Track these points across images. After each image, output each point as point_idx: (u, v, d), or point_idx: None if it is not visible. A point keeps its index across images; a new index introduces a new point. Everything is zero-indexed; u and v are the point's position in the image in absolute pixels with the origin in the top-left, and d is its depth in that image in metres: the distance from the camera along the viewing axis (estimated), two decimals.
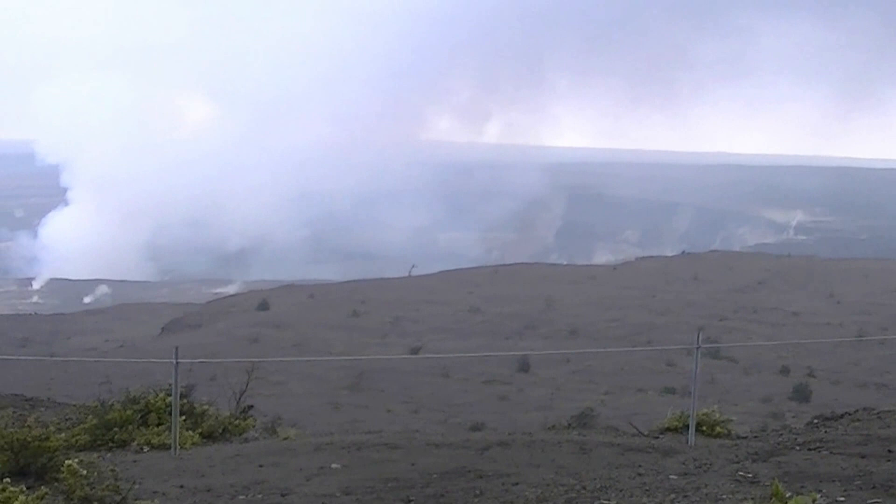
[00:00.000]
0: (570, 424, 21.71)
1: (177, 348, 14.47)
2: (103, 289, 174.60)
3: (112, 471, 12.05)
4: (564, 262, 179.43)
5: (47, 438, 13.25)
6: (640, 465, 13.80)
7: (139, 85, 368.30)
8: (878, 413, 18.68)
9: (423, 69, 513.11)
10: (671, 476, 13.25)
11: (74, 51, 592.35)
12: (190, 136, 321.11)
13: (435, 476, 13.20)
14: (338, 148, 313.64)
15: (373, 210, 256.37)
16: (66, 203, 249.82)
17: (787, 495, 10.02)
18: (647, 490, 12.51)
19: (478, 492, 12.43)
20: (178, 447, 14.96)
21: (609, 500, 12.07)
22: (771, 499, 10.12)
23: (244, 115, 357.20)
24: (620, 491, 12.46)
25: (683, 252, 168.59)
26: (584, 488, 12.59)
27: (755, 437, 16.88)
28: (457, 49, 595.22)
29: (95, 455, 14.24)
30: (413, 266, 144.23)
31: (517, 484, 12.76)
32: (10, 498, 10.61)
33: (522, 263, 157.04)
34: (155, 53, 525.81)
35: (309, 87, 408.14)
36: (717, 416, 16.73)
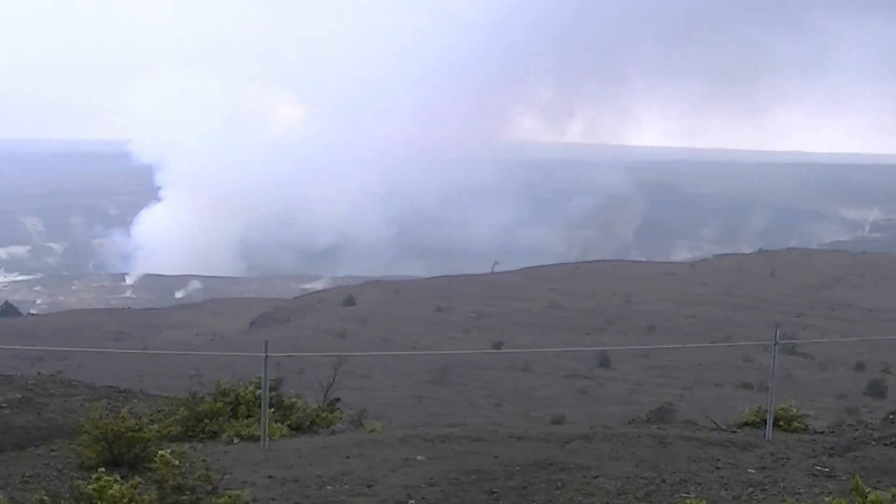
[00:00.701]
0: (649, 418, 21.70)
1: (266, 342, 14.72)
2: (194, 284, 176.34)
3: (203, 461, 12.38)
4: (643, 259, 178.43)
5: (140, 429, 13.63)
6: (718, 459, 13.93)
7: (231, 84, 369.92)
8: None
9: (506, 69, 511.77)
10: (749, 470, 13.38)
11: (168, 51, 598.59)
12: (280, 135, 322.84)
13: (517, 468, 13.40)
14: (423, 146, 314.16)
15: (457, 208, 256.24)
16: (158, 200, 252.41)
17: (867, 490, 10.13)
18: (725, 484, 12.66)
19: (560, 484, 12.63)
20: (268, 438, 15.24)
21: (688, 493, 12.23)
22: (851, 493, 10.19)
23: (332, 113, 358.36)
24: (699, 484, 12.63)
25: (760, 250, 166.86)
26: (664, 481, 12.76)
27: (831, 432, 16.90)
28: (540, 49, 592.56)
29: (187, 446, 14.61)
30: (496, 263, 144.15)
31: (598, 477, 12.95)
32: (104, 487, 10.89)
33: (602, 260, 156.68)
34: (246, 53, 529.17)
35: (395, 87, 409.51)
36: (795, 411, 16.80)
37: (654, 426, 17.51)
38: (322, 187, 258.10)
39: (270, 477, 13.13)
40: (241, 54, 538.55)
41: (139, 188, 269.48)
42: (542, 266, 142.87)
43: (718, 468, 13.50)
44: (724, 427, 16.90)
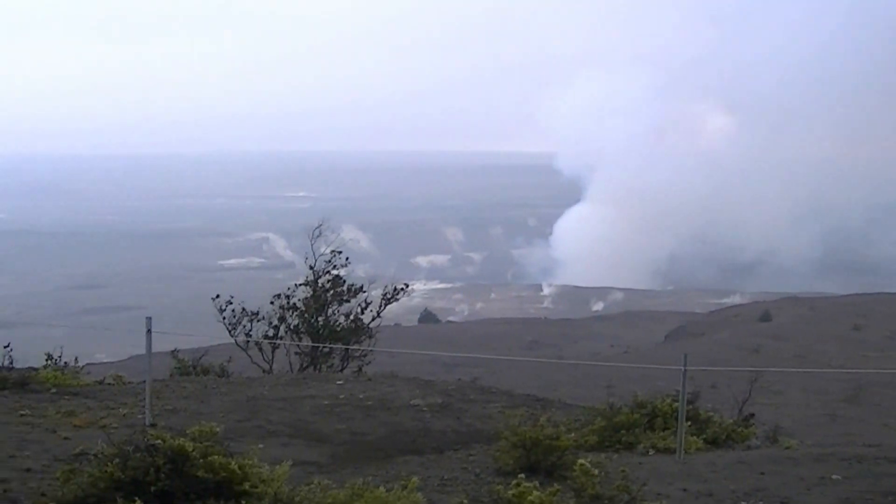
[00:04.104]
0: None
1: (685, 356, 14.81)
2: (611, 296, 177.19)
3: (622, 471, 12.59)
4: None
5: (558, 438, 13.97)
6: None
7: (656, 92, 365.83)
8: None
9: None
10: None
11: (593, 61, 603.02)
12: (707, 148, 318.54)
13: None
14: (850, 161, 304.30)
15: (881, 224, 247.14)
16: (579, 213, 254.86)
17: None
18: None
19: None
20: (683, 451, 15.28)
21: None
22: None
23: (760, 126, 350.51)
24: None
25: None
26: None
27: None
28: None
29: (603, 456, 14.87)
30: None
31: None
32: (524, 493, 11.24)
33: None
34: (674, 63, 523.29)
35: (823, 99, 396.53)
36: None
37: None
38: (747, 202, 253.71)
39: (685, 490, 13.21)
40: (669, 64, 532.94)
41: (560, 200, 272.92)
42: None
43: None
44: None
